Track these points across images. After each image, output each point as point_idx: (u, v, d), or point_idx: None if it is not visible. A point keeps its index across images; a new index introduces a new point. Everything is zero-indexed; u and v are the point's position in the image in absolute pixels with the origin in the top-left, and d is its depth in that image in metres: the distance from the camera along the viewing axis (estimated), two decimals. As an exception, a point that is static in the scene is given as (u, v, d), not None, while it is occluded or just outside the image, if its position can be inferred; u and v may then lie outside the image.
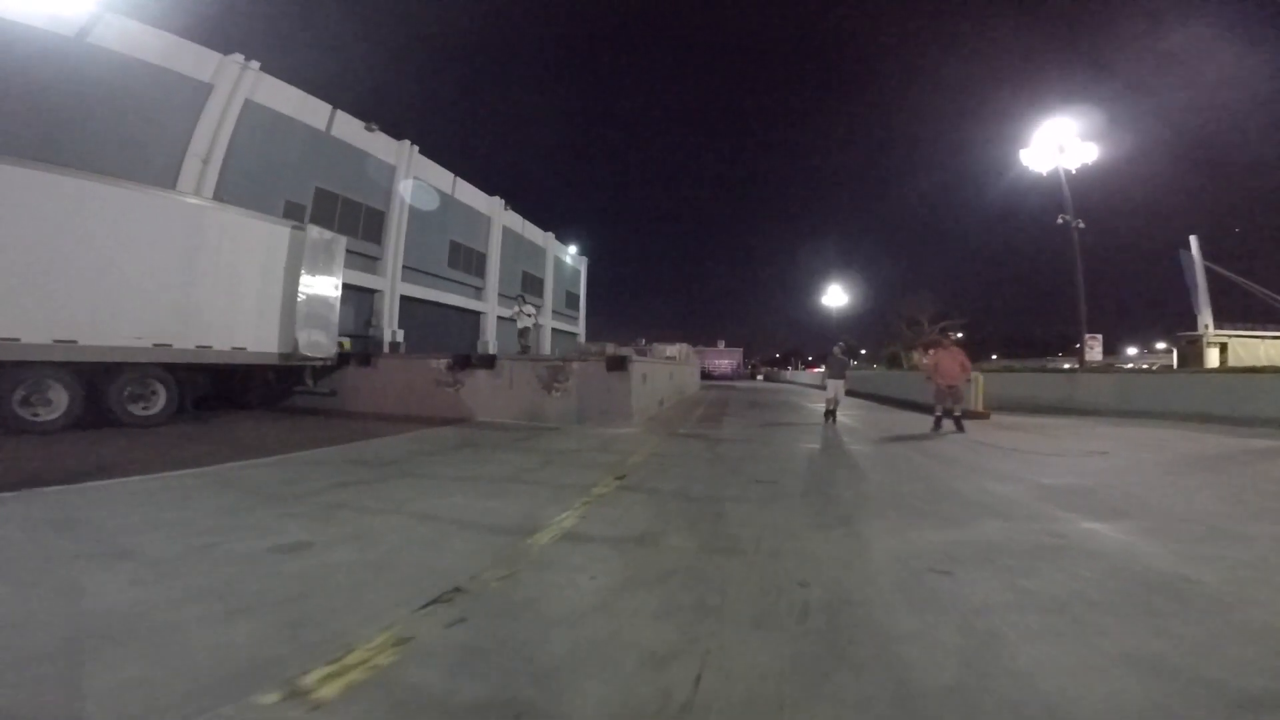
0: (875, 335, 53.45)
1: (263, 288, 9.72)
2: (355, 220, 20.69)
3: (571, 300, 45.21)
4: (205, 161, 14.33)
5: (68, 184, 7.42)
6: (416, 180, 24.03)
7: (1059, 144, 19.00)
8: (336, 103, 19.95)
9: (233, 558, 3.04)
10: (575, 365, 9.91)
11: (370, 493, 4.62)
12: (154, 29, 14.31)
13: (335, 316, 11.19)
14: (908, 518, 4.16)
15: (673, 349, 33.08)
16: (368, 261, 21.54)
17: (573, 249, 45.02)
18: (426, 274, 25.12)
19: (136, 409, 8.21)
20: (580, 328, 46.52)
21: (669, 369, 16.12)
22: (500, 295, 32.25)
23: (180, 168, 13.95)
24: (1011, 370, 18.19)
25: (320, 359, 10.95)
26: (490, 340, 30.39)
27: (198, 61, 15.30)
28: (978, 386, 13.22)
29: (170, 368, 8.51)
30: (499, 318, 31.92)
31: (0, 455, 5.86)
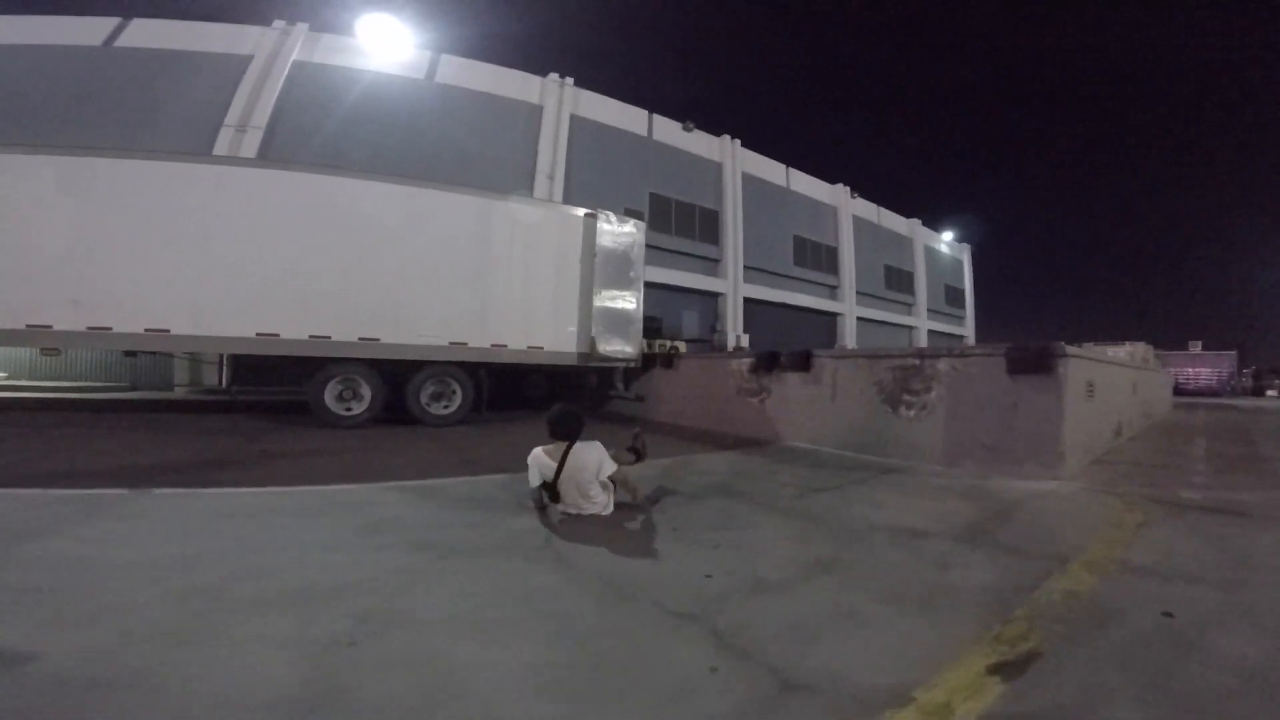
0: None
1: (558, 282, 9.07)
2: (690, 222, 20.29)
3: (953, 296, 36.83)
4: (551, 178, 15.67)
5: (355, 186, 7.87)
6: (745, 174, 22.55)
7: None
8: (652, 107, 20.16)
9: None
10: (943, 365, 5.87)
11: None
12: (482, 63, 16.54)
13: (638, 311, 9.94)
14: None
15: (1121, 350, 22.41)
16: (708, 264, 20.91)
17: (948, 235, 36.72)
18: (770, 273, 23.22)
19: (437, 408, 8.33)
20: (967, 329, 37.56)
21: (1131, 377, 9.70)
22: (859, 294, 28.06)
23: (533, 184, 15.53)
24: None
25: (623, 360, 9.83)
26: (850, 344, 26.56)
27: (524, 86, 17.06)
28: None
29: (468, 367, 8.42)
30: (859, 319, 27.79)
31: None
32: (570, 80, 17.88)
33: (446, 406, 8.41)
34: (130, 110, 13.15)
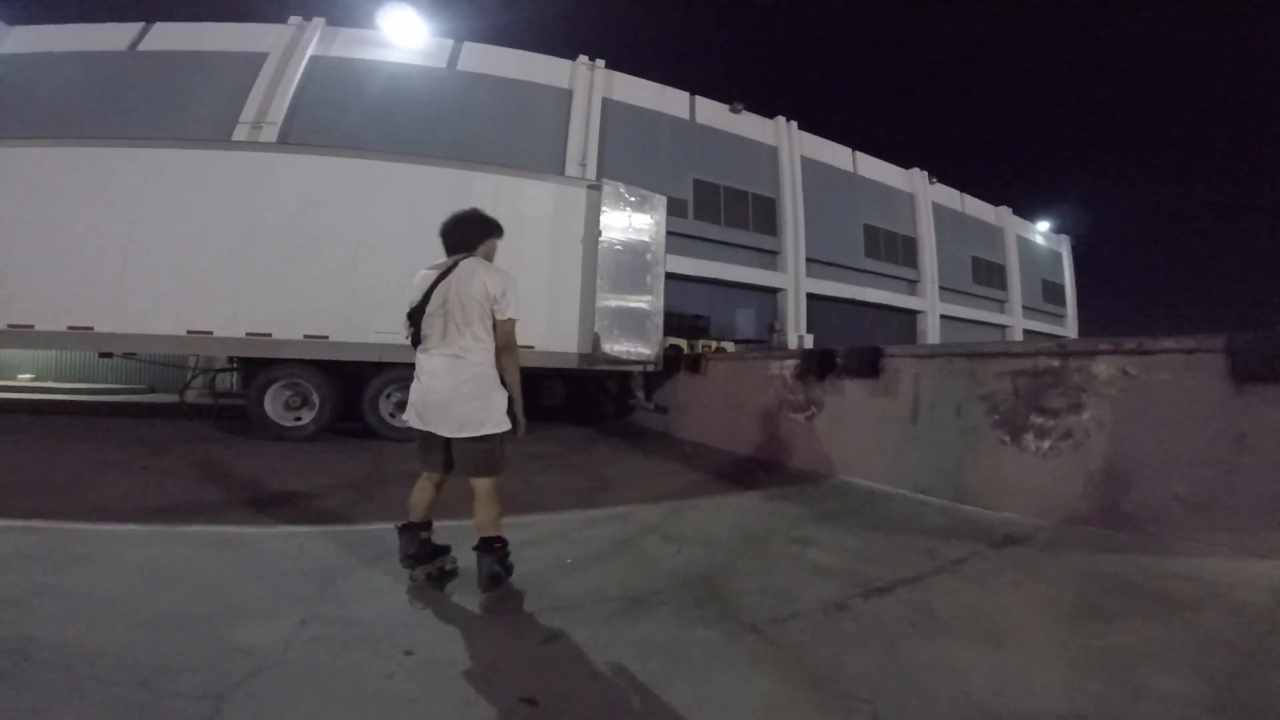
0: None
1: (554, 268, 7.42)
2: (743, 210, 18.24)
3: (1051, 292, 32.34)
4: (582, 165, 14.32)
5: (299, 163, 6.70)
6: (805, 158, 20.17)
7: None
8: (696, 90, 18.53)
9: None
10: (1102, 368, 3.63)
11: None
12: (507, 49, 15.81)
13: (656, 304, 8.13)
14: None
15: None
16: (764, 256, 18.75)
17: (1044, 225, 32.41)
18: (838, 266, 20.70)
19: (404, 418, 6.89)
20: (1068, 328, 32.87)
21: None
22: (942, 289, 24.81)
23: (563, 171, 14.16)
24: None
25: (637, 362, 8.05)
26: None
27: (552, 70, 16.12)
28: None
29: None
30: (943, 316, 24.54)
31: None
32: (601, 62, 16.64)
33: None
34: (152, 111, 13.02)
